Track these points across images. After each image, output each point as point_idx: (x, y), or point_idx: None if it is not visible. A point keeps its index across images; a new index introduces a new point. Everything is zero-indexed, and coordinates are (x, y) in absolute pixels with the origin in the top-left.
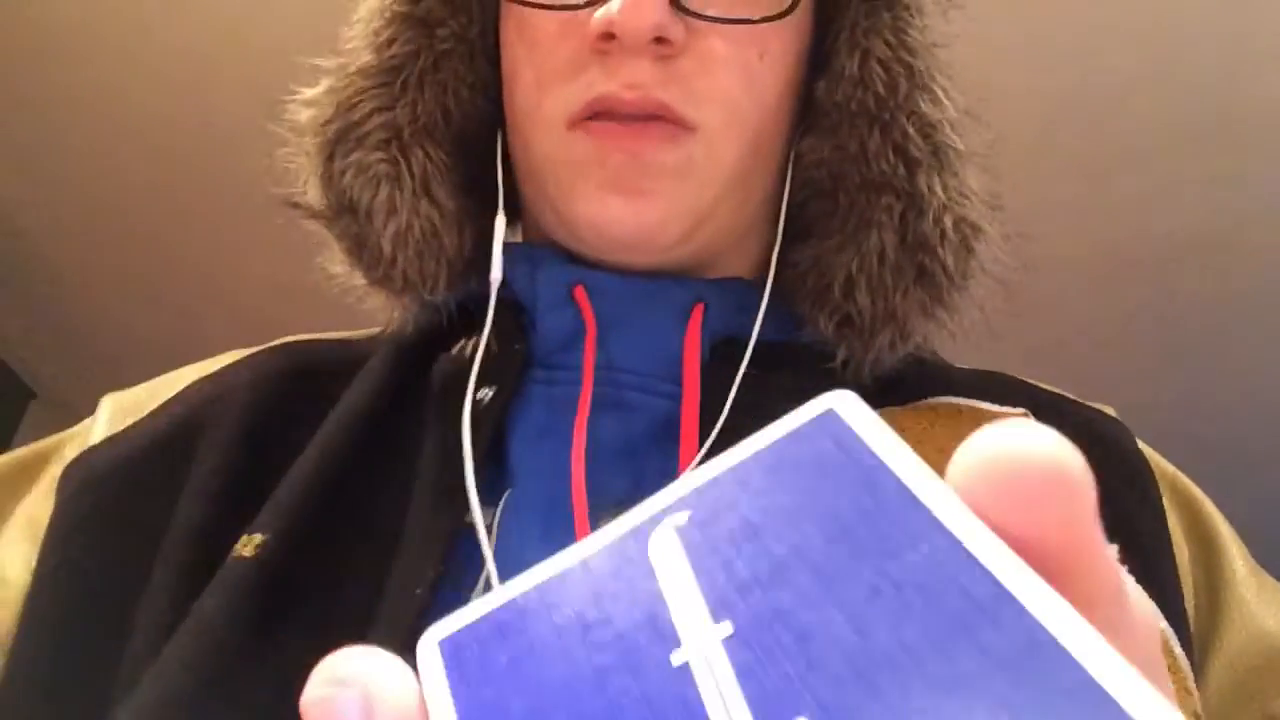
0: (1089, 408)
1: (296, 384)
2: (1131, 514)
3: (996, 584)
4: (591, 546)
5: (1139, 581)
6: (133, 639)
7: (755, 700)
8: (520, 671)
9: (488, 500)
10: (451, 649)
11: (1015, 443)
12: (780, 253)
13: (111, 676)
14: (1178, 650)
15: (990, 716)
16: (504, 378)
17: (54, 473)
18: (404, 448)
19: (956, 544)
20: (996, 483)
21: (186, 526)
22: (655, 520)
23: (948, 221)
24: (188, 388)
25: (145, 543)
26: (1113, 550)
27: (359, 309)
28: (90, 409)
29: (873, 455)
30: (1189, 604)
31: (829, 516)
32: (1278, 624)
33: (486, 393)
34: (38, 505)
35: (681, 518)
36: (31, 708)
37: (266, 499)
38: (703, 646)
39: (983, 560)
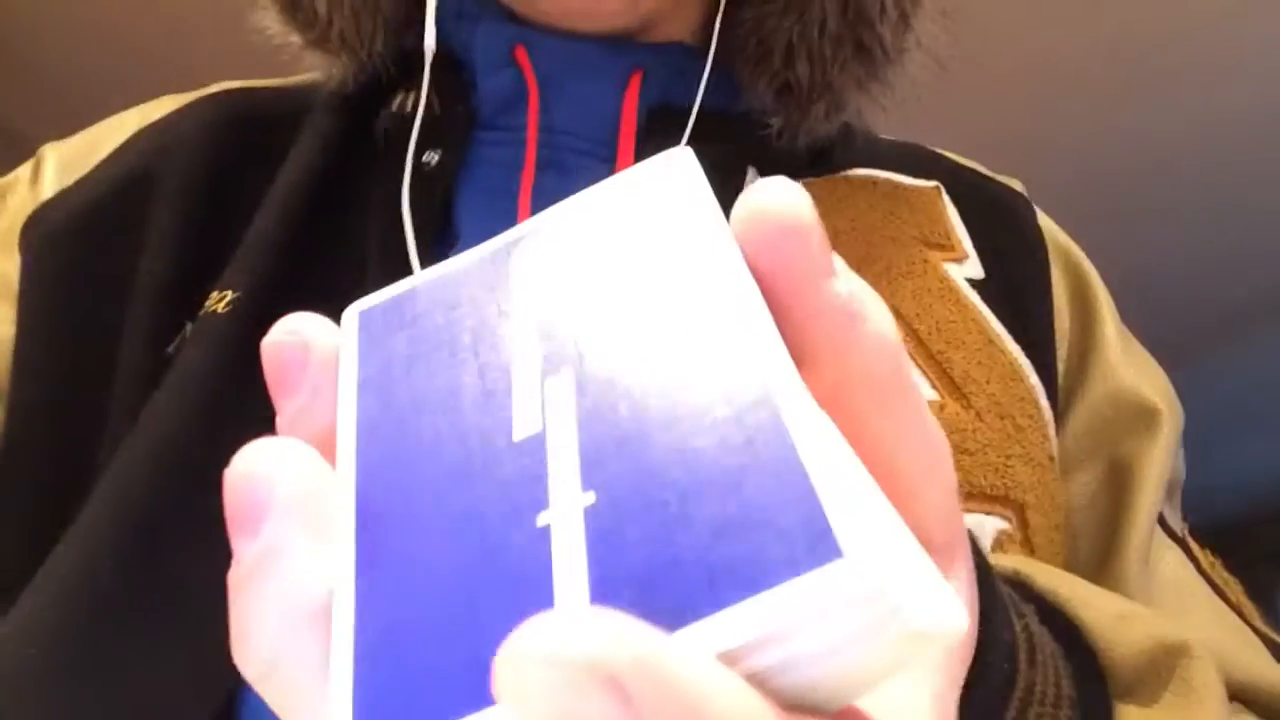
0: (997, 182)
1: (243, 134)
2: (1019, 279)
3: (734, 320)
4: (480, 251)
5: (1018, 339)
6: (115, 386)
7: (543, 353)
8: (407, 341)
9: (436, 261)
10: (365, 320)
11: (765, 199)
12: (724, 15)
13: (103, 421)
14: (1043, 402)
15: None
16: (450, 140)
17: (6, 225)
18: (357, 207)
19: (720, 285)
20: (754, 232)
21: (153, 279)
22: (510, 245)
23: None
24: (133, 137)
25: (116, 295)
26: (847, 285)
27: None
28: (29, 130)
29: (684, 204)
30: (1061, 363)
31: (640, 247)
32: (1133, 380)
33: (433, 155)
34: (2, 262)
35: (536, 240)
36: (37, 447)
37: (227, 251)
38: (520, 321)
39: (732, 298)
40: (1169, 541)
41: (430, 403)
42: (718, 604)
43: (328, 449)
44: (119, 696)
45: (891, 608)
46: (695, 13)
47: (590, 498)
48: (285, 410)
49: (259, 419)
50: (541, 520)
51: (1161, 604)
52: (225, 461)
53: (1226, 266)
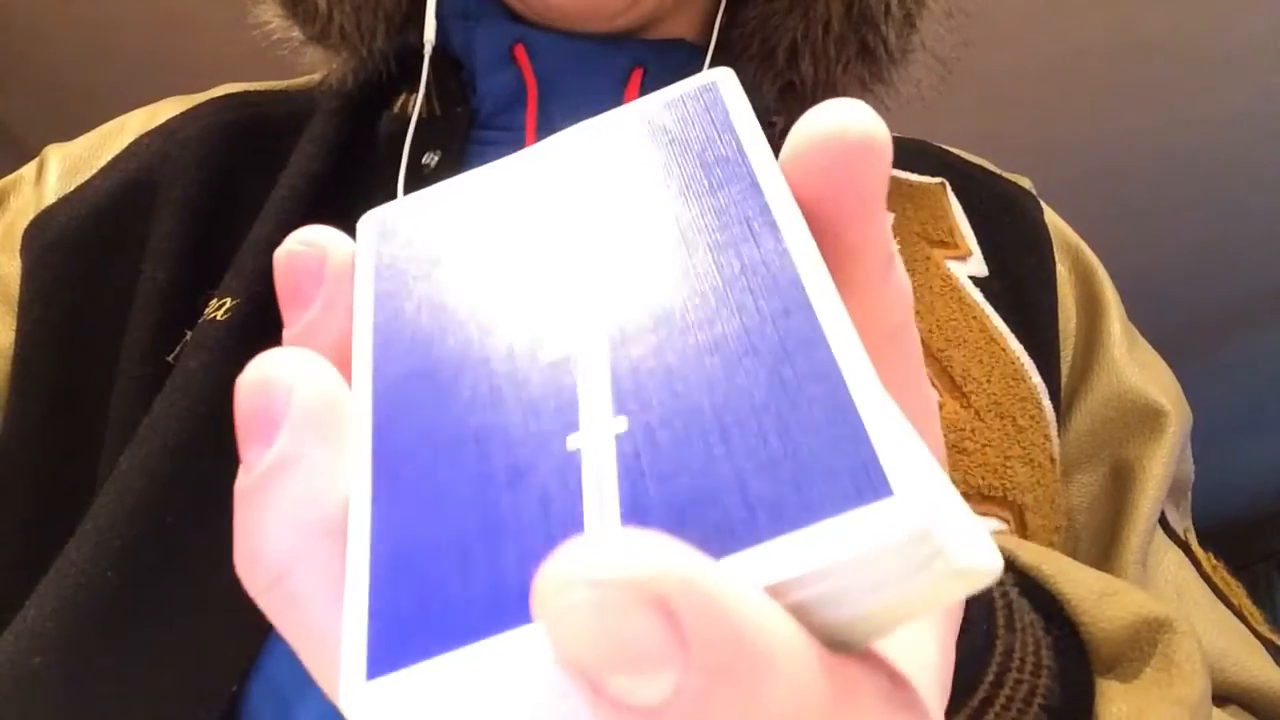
0: (1004, 179)
1: (245, 140)
2: (1024, 278)
3: (781, 244)
4: (506, 162)
5: (1021, 338)
6: (115, 392)
7: (577, 270)
8: (425, 251)
9: None
10: (383, 228)
11: (843, 115)
12: (725, 14)
13: (104, 428)
14: (1045, 402)
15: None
16: (449, 142)
17: (7, 226)
18: (357, 211)
19: (767, 208)
20: (830, 146)
21: (154, 286)
22: (539, 156)
23: None
24: (135, 142)
25: (117, 301)
26: (889, 230)
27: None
28: (30, 133)
29: (730, 124)
30: (1066, 362)
31: (683, 164)
32: (1138, 381)
33: (433, 157)
34: (3, 264)
35: (571, 149)
36: (33, 459)
37: (226, 257)
38: (551, 236)
39: (779, 220)
40: (1170, 543)
41: (452, 315)
42: (759, 537)
43: (341, 365)
44: (123, 704)
45: (937, 547)
46: (697, 11)
47: (622, 424)
48: (294, 323)
49: None
50: (571, 444)
51: None
52: (226, 470)
53: (1228, 267)
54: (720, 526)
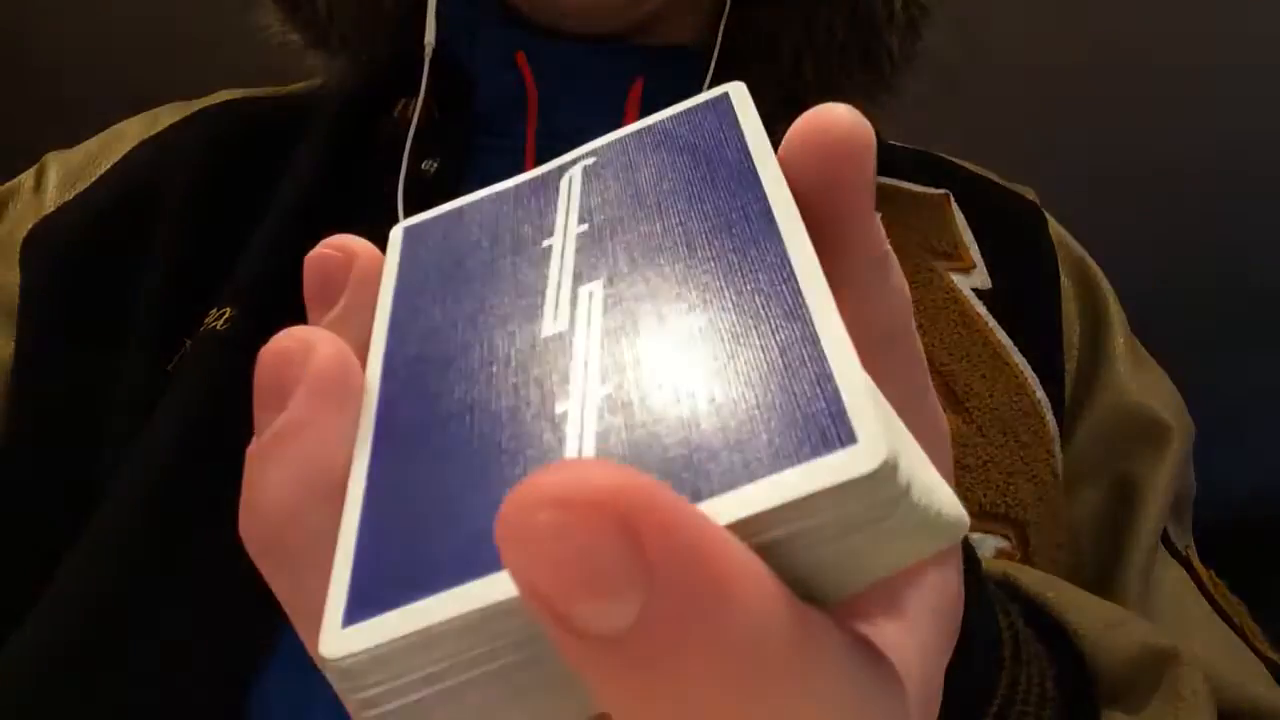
0: (1008, 190)
1: (244, 147)
2: (1028, 291)
3: (777, 233)
4: (530, 174)
5: (1025, 351)
6: (115, 403)
7: (581, 263)
8: (448, 254)
9: None
10: (410, 236)
11: (829, 115)
12: (728, 19)
13: (101, 437)
14: (1049, 417)
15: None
16: (449, 147)
17: (5, 235)
18: (356, 218)
19: (765, 204)
20: (813, 144)
21: (154, 296)
22: (575, 160)
23: (897, 2)
24: (135, 149)
25: (116, 310)
26: (880, 228)
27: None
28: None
29: (737, 130)
30: (1069, 375)
31: (689, 167)
32: (1142, 395)
33: (432, 163)
34: (1, 274)
35: (589, 160)
36: (36, 466)
37: (226, 265)
38: (563, 235)
39: (777, 216)
40: (1172, 560)
41: (463, 306)
42: (726, 485)
43: (360, 360)
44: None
45: (899, 490)
46: (700, 15)
47: (606, 391)
48: (318, 322)
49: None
50: (558, 409)
51: (1162, 623)
52: (225, 481)
53: (1229, 271)
54: (688, 478)
